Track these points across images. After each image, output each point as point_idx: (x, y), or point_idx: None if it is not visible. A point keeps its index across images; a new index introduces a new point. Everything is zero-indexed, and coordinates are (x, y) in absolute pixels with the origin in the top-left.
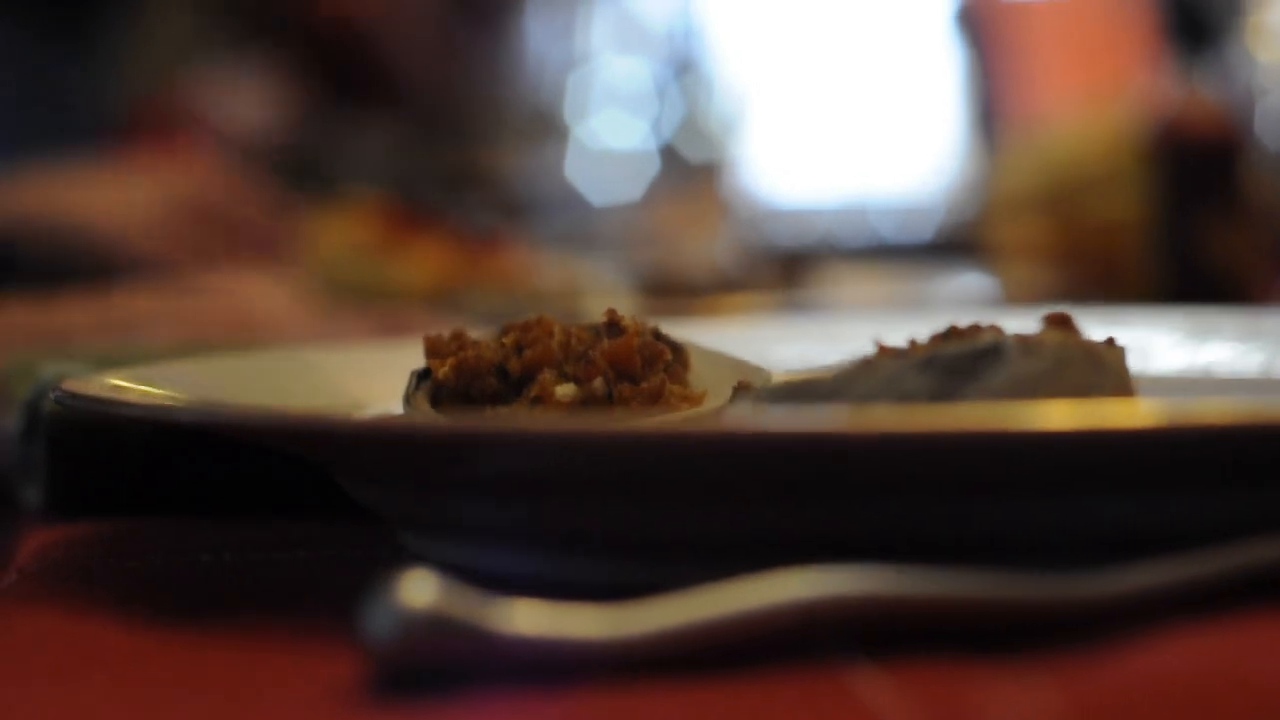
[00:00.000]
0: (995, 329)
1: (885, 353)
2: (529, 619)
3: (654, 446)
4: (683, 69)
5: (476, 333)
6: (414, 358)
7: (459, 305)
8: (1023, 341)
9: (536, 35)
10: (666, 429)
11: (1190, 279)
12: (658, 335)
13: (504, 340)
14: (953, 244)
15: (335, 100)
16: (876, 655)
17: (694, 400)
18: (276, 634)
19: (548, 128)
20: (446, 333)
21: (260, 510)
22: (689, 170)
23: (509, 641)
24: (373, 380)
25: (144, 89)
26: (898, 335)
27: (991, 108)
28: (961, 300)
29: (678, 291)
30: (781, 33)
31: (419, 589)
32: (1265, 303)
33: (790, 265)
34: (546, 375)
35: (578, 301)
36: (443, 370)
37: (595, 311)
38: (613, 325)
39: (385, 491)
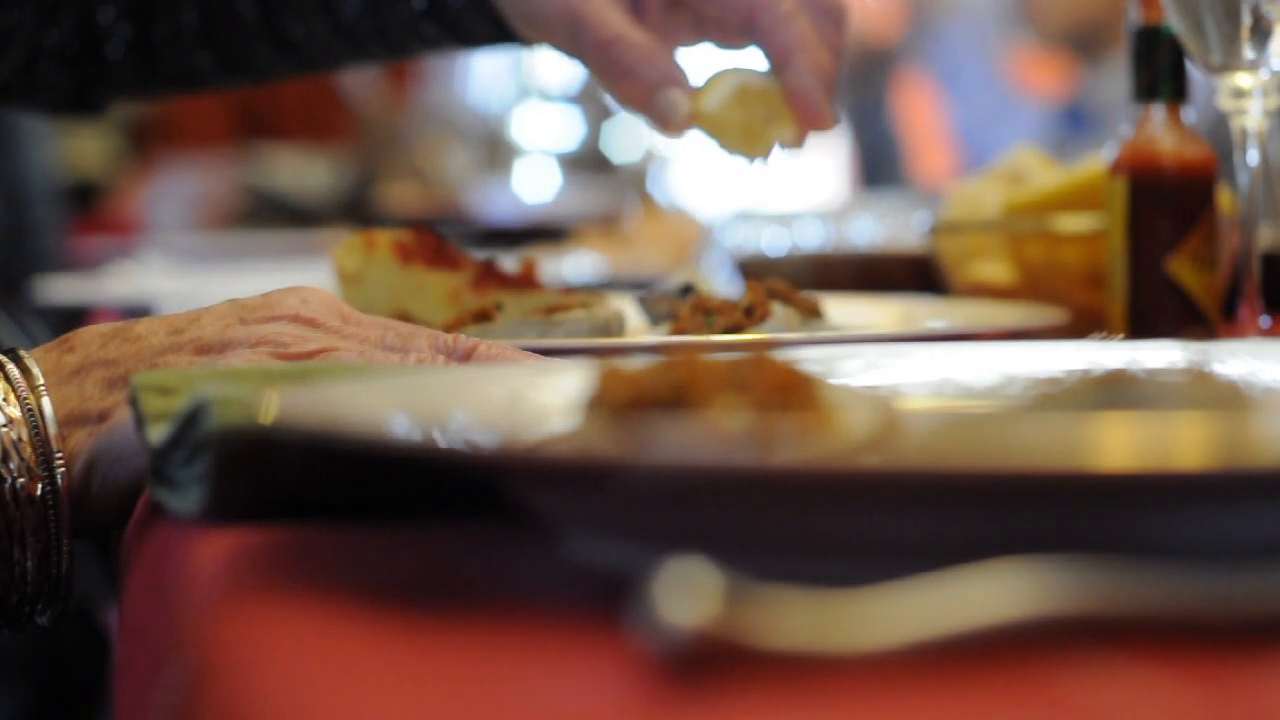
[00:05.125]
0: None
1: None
2: (794, 630)
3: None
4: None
5: (634, 364)
6: (549, 379)
7: (487, 335)
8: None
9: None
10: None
11: (1161, 311)
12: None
13: (662, 372)
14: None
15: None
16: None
17: (838, 426)
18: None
19: (499, 152)
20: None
21: (402, 517)
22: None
23: (778, 655)
24: (521, 401)
25: None
26: (984, 365)
27: (880, 138)
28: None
29: (704, 325)
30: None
31: (698, 600)
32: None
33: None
34: (712, 403)
35: (617, 335)
36: (620, 401)
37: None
38: (760, 360)
39: (572, 505)
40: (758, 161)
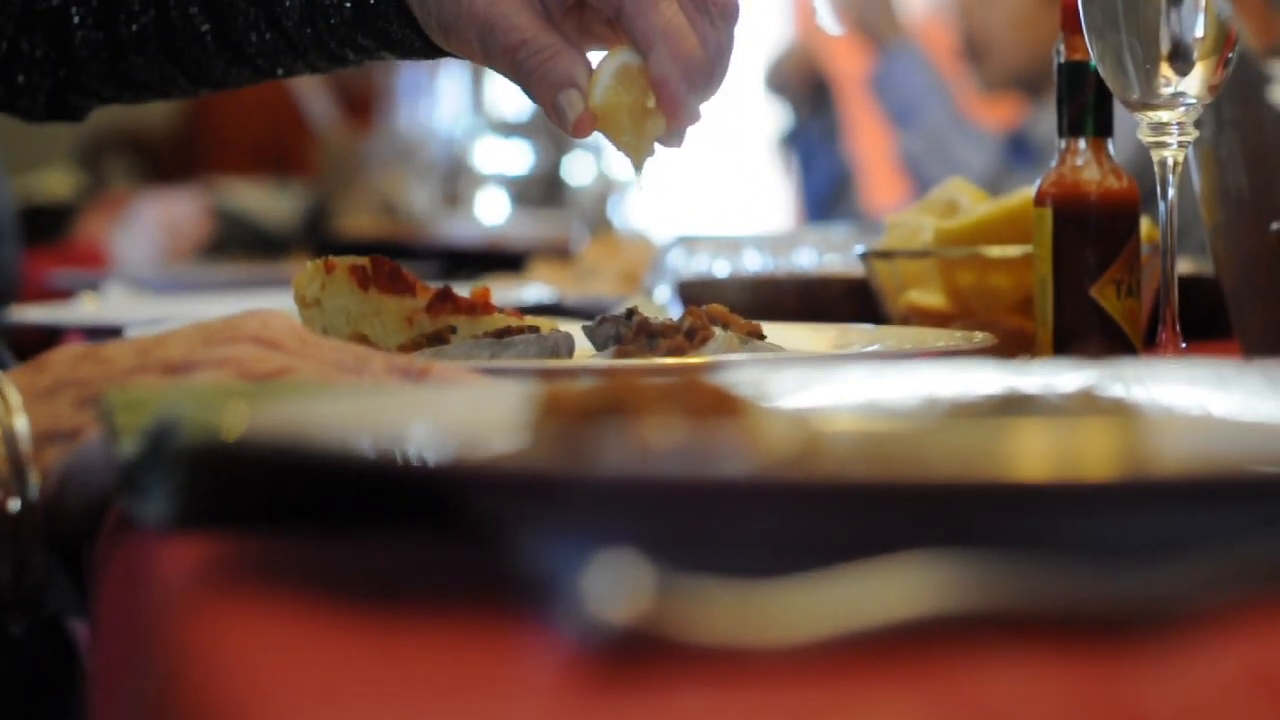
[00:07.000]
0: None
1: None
2: (716, 624)
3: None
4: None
5: (575, 385)
6: (497, 397)
7: (441, 357)
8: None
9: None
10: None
11: (1086, 336)
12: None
13: (600, 392)
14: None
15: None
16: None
17: (760, 440)
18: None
19: (461, 181)
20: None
21: (362, 524)
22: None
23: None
24: (470, 417)
25: None
26: (908, 386)
27: (818, 162)
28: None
29: (647, 348)
30: None
31: (626, 595)
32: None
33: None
34: (645, 419)
35: (566, 358)
36: (563, 418)
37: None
38: (691, 381)
39: (515, 511)
40: (643, 162)
